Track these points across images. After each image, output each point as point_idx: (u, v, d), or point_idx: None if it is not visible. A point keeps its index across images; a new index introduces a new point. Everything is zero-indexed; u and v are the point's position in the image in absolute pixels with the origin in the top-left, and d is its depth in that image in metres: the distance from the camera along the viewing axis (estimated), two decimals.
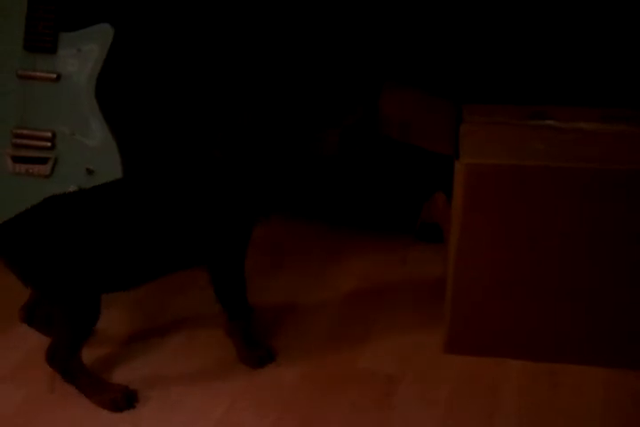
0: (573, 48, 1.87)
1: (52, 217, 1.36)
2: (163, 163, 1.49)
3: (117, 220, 1.38)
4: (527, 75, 1.89)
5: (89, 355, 1.46)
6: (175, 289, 1.79)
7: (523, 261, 1.47)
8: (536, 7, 1.86)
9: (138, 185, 1.44)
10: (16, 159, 1.86)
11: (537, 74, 1.89)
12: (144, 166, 1.48)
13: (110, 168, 1.76)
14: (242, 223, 1.45)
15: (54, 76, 1.82)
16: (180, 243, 1.42)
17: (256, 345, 1.54)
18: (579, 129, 1.56)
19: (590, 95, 1.80)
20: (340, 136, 1.37)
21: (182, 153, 1.51)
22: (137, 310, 1.73)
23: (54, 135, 1.84)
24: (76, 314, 1.37)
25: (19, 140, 1.85)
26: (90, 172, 1.79)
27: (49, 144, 1.84)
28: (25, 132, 1.85)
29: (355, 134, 1.39)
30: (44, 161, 1.85)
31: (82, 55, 1.82)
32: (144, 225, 1.38)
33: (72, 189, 1.66)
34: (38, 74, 1.83)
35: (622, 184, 1.40)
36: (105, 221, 1.37)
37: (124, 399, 1.41)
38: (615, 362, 1.49)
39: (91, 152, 1.82)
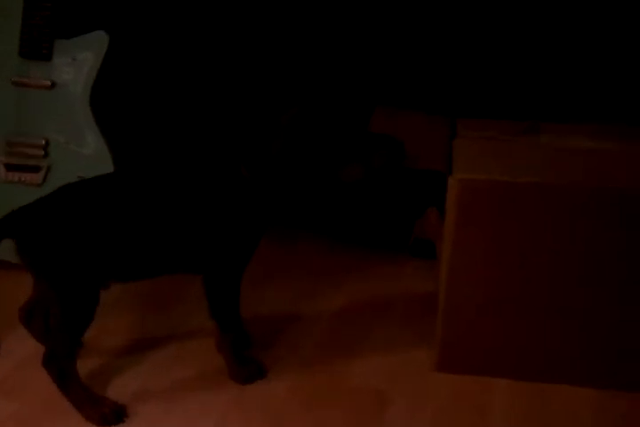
0: (566, 63, 1.87)
1: (65, 204, 1.39)
2: (179, 163, 1.50)
3: (126, 211, 1.39)
4: (521, 90, 1.90)
5: (79, 367, 1.44)
6: (167, 301, 1.80)
7: (514, 278, 1.45)
8: (528, 24, 1.86)
9: (153, 180, 1.45)
10: (9, 167, 1.85)
11: (530, 89, 1.89)
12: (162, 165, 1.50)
13: None
14: (248, 239, 1.46)
15: (49, 83, 1.82)
16: (184, 245, 1.43)
17: (246, 361, 1.53)
18: (571, 146, 1.55)
19: (582, 110, 1.80)
20: (363, 170, 1.39)
21: (188, 160, 1.51)
22: (128, 321, 1.73)
23: (47, 143, 1.83)
24: (75, 303, 1.38)
25: (12, 148, 1.85)
26: None
27: (42, 152, 1.83)
28: (18, 139, 1.84)
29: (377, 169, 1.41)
30: (36, 169, 1.84)
31: (77, 63, 1.81)
32: (150, 220, 1.40)
33: None
34: (33, 81, 1.83)
35: (614, 202, 1.39)
36: (113, 210, 1.39)
37: (113, 415, 1.41)
38: (606, 383, 1.48)
39: (84, 161, 1.81)
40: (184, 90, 2.11)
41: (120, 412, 1.42)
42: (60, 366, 1.40)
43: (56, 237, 1.35)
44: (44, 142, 1.83)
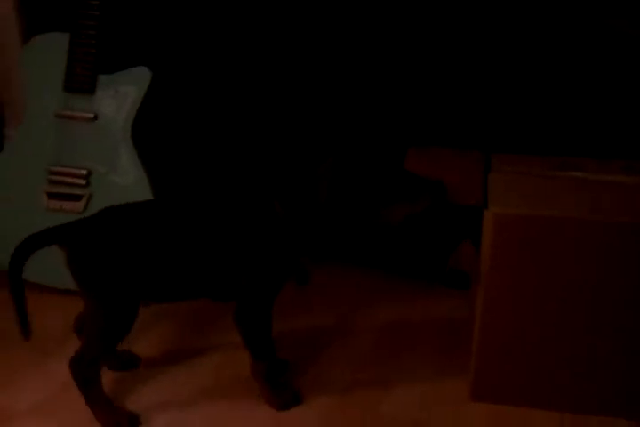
0: (600, 101, 1.91)
1: (113, 222, 1.46)
2: (217, 196, 1.56)
3: (168, 236, 1.45)
4: (554, 126, 1.94)
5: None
6: (209, 317, 1.84)
7: (548, 311, 1.48)
8: (563, 63, 1.91)
9: (192, 209, 1.51)
10: (51, 195, 1.91)
11: (564, 125, 1.93)
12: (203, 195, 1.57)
13: None
14: (278, 269, 1.49)
15: (92, 115, 1.88)
16: (217, 272, 1.48)
17: (281, 387, 1.55)
18: (605, 181, 1.58)
19: (615, 147, 1.84)
20: (407, 212, 1.44)
21: (225, 193, 1.57)
22: (173, 338, 1.77)
23: (89, 173, 1.89)
24: (115, 316, 1.44)
25: (54, 177, 1.90)
26: None
27: (84, 182, 1.89)
28: (61, 169, 1.90)
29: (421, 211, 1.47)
30: (78, 198, 1.89)
31: (119, 96, 1.87)
32: (188, 247, 1.45)
33: None
34: (76, 114, 1.89)
35: None
36: (157, 235, 1.45)
37: (128, 423, 1.46)
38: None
39: (124, 191, 1.86)
40: (223, 125, 2.16)
41: (135, 421, 1.48)
42: (85, 371, 1.45)
43: (104, 252, 1.42)
44: (85, 172, 1.88)
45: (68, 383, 1.46)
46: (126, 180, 1.87)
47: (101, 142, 1.88)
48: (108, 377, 1.58)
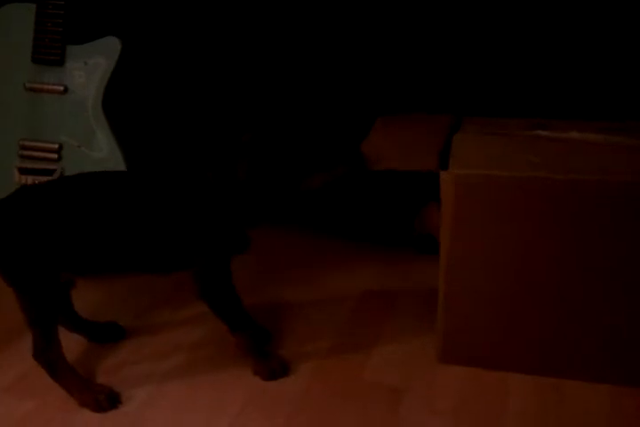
0: (576, 62, 1.89)
1: (21, 203, 1.41)
2: (160, 167, 1.52)
3: (86, 208, 1.40)
4: (530, 88, 1.92)
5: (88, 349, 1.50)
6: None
7: (512, 271, 1.44)
8: (537, 23, 1.89)
9: (126, 179, 1.47)
10: (23, 171, 1.87)
11: (540, 87, 1.91)
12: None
13: None
14: (219, 237, 1.45)
15: (61, 88, 1.85)
16: (150, 243, 1.42)
17: (267, 356, 1.53)
18: (574, 140, 1.52)
19: (594, 108, 1.82)
20: (321, 180, 1.43)
21: (182, 163, 1.54)
22: (152, 310, 1.76)
23: (61, 147, 1.85)
24: (34, 298, 1.40)
25: (26, 152, 1.87)
26: None
27: (55, 156, 1.86)
28: (32, 144, 1.87)
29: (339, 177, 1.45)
30: (50, 173, 1.86)
31: (89, 68, 1.84)
32: (115, 217, 1.40)
33: None
34: (46, 86, 1.86)
35: (619, 196, 1.35)
36: (69, 207, 1.40)
37: (107, 400, 1.43)
38: (616, 378, 1.47)
39: (97, 164, 1.84)
40: (196, 95, 2.14)
41: (114, 397, 1.45)
42: (46, 358, 1.43)
43: (8, 233, 1.38)
44: (57, 146, 1.85)
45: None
46: (99, 153, 1.85)
47: (72, 115, 1.85)
48: (86, 352, 1.58)
